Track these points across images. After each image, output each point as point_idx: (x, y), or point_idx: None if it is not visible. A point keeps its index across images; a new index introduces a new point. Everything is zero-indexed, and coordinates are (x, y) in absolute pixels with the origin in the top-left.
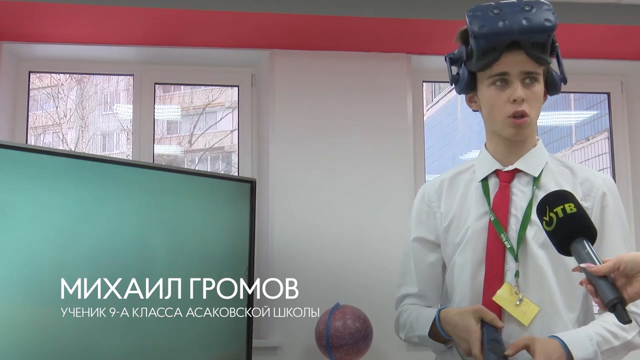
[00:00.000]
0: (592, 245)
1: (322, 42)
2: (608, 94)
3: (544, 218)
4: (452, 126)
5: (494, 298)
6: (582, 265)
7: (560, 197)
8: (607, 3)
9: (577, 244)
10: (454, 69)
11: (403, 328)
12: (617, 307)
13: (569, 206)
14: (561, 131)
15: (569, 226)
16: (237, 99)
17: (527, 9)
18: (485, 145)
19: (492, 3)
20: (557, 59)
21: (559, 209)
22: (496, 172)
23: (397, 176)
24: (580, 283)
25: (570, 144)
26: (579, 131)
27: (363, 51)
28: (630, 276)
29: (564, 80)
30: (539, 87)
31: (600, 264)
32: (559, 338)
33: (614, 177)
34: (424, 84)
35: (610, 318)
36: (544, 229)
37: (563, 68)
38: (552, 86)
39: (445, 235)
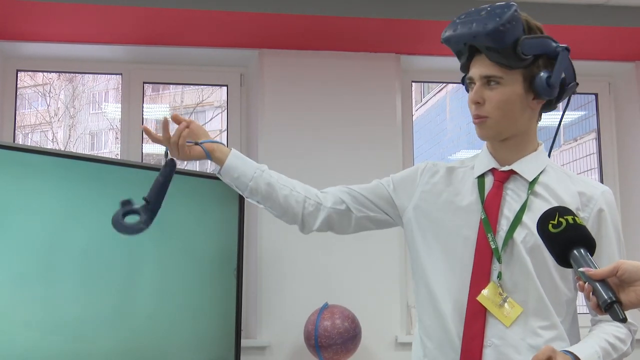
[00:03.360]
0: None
1: (311, 42)
2: (596, 95)
3: (552, 221)
4: (440, 126)
5: (478, 298)
6: (581, 269)
7: (571, 211)
8: (595, 4)
9: (578, 251)
10: None
11: None
12: (614, 306)
13: (579, 219)
14: (549, 132)
15: (578, 232)
16: (226, 99)
17: (483, 13)
18: (486, 143)
19: (472, 9)
20: (557, 65)
21: (569, 217)
22: (492, 171)
23: (385, 176)
24: (580, 286)
25: (558, 144)
26: (567, 132)
27: (352, 51)
28: (627, 284)
29: (549, 84)
30: (504, 89)
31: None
32: (571, 353)
33: (601, 178)
34: (413, 84)
35: (609, 329)
36: (549, 230)
37: (558, 74)
38: (538, 89)
39: (434, 227)
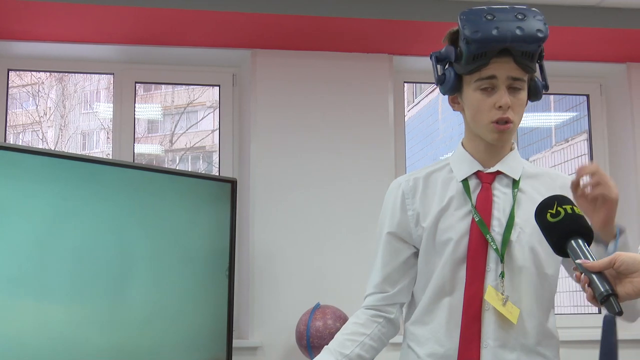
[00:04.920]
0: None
1: (304, 42)
2: (587, 96)
3: (550, 211)
4: (433, 127)
5: (485, 297)
6: (578, 261)
7: (569, 200)
8: (587, 6)
9: (576, 241)
10: (439, 69)
11: None
12: (610, 299)
13: (577, 209)
14: (541, 133)
15: (576, 222)
16: (218, 99)
17: (520, 17)
18: (462, 144)
19: (485, 8)
20: (540, 65)
21: (568, 207)
22: (476, 173)
23: (378, 176)
24: (576, 277)
25: (549, 145)
26: (558, 133)
27: (345, 51)
28: (624, 275)
29: (546, 87)
30: (524, 94)
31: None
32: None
33: None
34: (405, 84)
35: None
36: (547, 220)
37: (546, 75)
38: (534, 92)
39: (426, 233)
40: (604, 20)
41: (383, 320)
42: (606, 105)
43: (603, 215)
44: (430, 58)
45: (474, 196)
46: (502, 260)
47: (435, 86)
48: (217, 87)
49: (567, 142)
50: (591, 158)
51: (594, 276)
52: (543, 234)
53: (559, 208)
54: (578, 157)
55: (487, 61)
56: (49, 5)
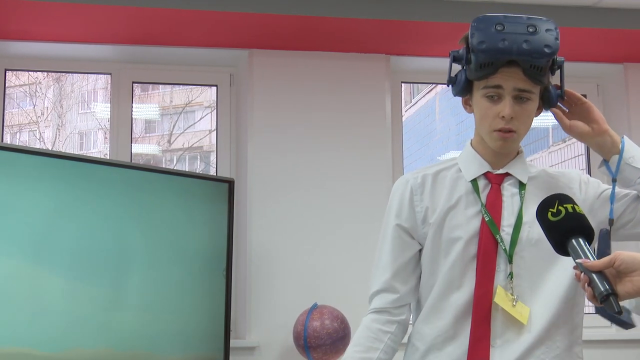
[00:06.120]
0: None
1: (301, 42)
2: (584, 97)
3: (551, 209)
4: (430, 127)
5: (495, 300)
6: (579, 260)
7: (571, 199)
8: (584, 6)
9: (576, 240)
10: (454, 68)
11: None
12: (609, 299)
13: (578, 208)
14: (538, 133)
15: (576, 221)
16: (215, 99)
17: (530, 30)
18: (471, 145)
19: (499, 16)
20: (560, 75)
21: (569, 206)
22: (485, 174)
23: (375, 177)
24: (576, 276)
25: (547, 145)
26: (555, 133)
27: (342, 52)
28: (624, 274)
29: (562, 97)
30: (532, 104)
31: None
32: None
33: None
34: (403, 84)
35: None
36: (548, 219)
37: (563, 85)
38: (547, 102)
39: (432, 230)
40: (601, 20)
41: (395, 328)
42: (603, 106)
43: (585, 113)
44: (449, 55)
45: (483, 196)
46: (510, 261)
47: (432, 86)
48: (215, 87)
49: (564, 142)
50: (588, 158)
51: (593, 275)
52: (544, 232)
53: (560, 207)
54: (575, 157)
55: (495, 70)
56: (47, 5)
